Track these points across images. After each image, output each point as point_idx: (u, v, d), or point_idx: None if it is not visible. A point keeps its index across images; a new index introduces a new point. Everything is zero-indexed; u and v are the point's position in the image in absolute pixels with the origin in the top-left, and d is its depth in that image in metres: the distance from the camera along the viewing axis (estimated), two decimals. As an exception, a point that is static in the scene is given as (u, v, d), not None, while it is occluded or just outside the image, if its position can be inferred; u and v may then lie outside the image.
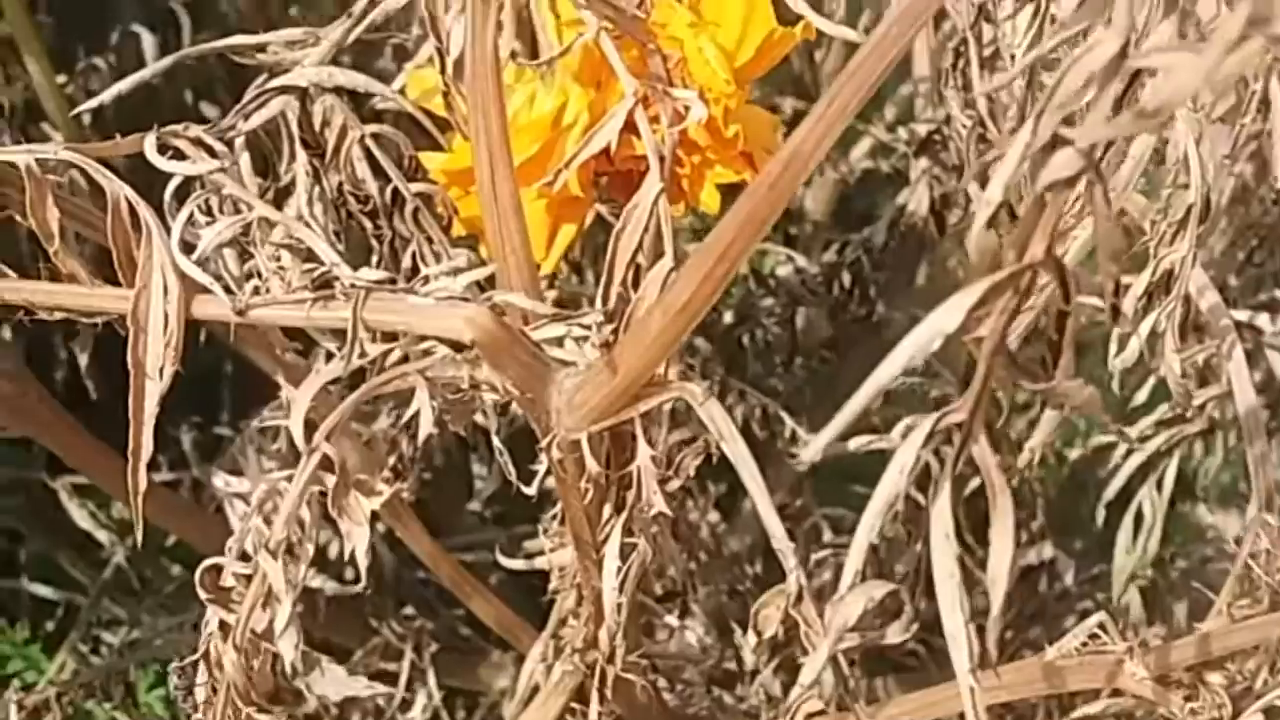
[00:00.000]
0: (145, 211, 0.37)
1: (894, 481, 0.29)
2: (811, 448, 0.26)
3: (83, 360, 0.56)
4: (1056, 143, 0.26)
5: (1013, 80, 0.40)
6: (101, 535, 0.68)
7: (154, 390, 0.36)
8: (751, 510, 0.73)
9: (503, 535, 0.72)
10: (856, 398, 0.27)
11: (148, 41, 0.70)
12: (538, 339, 0.35)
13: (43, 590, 0.74)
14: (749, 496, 0.75)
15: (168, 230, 0.37)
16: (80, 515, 0.67)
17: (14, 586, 0.74)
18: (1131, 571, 0.64)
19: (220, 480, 0.52)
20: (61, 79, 0.64)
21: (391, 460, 0.51)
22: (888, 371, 0.26)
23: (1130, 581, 0.65)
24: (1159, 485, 0.60)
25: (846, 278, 0.68)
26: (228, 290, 0.36)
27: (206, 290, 0.36)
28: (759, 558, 0.70)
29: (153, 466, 0.69)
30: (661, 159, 0.37)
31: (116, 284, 0.39)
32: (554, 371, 0.35)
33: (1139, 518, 0.62)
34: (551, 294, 0.61)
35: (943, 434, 0.31)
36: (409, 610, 0.67)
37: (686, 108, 0.38)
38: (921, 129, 0.65)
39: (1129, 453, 0.61)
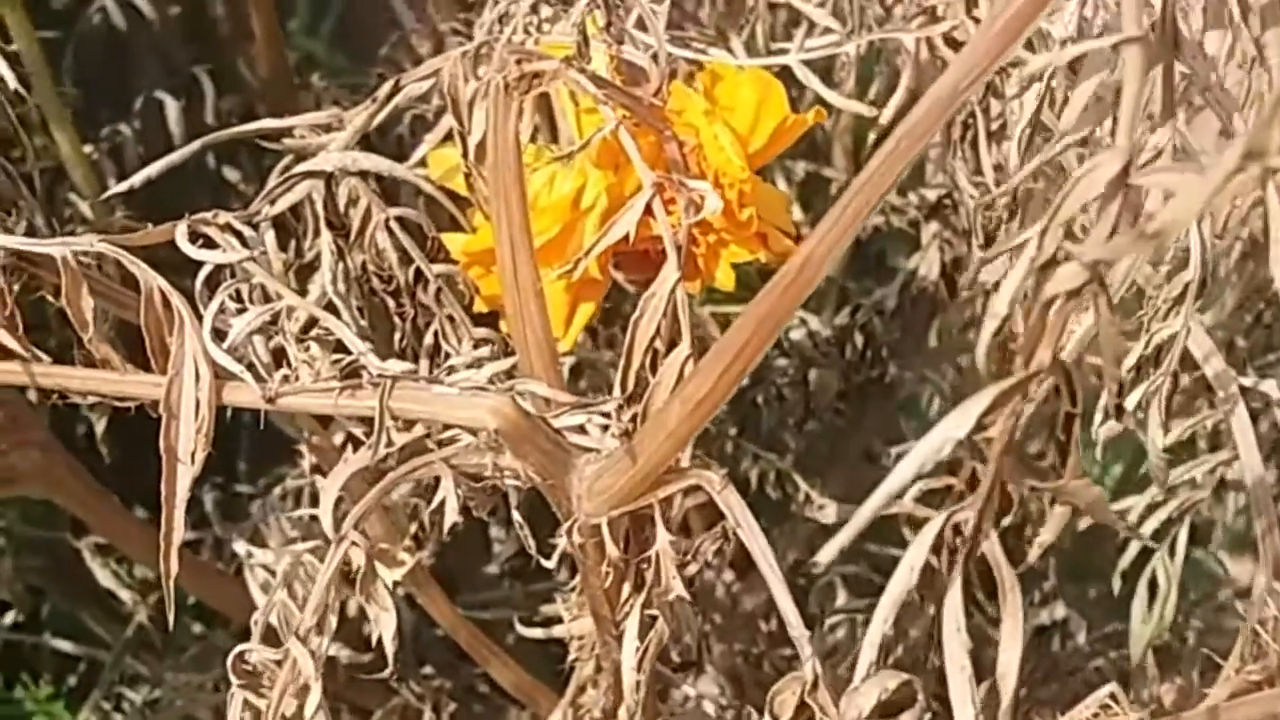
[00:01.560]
0: (178, 301, 0.38)
1: (904, 580, 0.30)
2: (825, 552, 0.27)
3: (99, 426, 0.57)
4: (1061, 256, 0.27)
5: (1021, 175, 0.41)
6: (124, 594, 0.69)
7: (185, 474, 0.37)
8: (766, 568, 0.74)
9: (521, 592, 0.73)
10: (868, 504, 0.28)
11: (171, 107, 0.71)
12: (558, 426, 0.36)
13: (65, 646, 0.75)
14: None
15: (199, 318, 0.38)
16: (103, 574, 0.68)
17: (37, 642, 0.75)
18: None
19: (243, 549, 0.53)
20: (88, 148, 0.65)
21: (413, 528, 0.52)
22: (900, 478, 0.27)
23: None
24: (1171, 551, 0.60)
25: (859, 339, 0.69)
26: (257, 377, 0.37)
27: (237, 377, 0.37)
28: (774, 615, 0.71)
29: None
30: (678, 249, 0.38)
31: (141, 358, 0.40)
32: (574, 458, 0.36)
33: (1153, 582, 0.62)
34: (568, 359, 0.62)
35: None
36: (428, 669, 0.67)
37: (702, 197, 0.39)
38: (931, 194, 0.66)
39: (1143, 517, 0.61)
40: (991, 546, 0.30)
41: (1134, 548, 0.62)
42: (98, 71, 0.76)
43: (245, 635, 0.41)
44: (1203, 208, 0.24)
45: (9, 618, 0.74)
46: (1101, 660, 0.69)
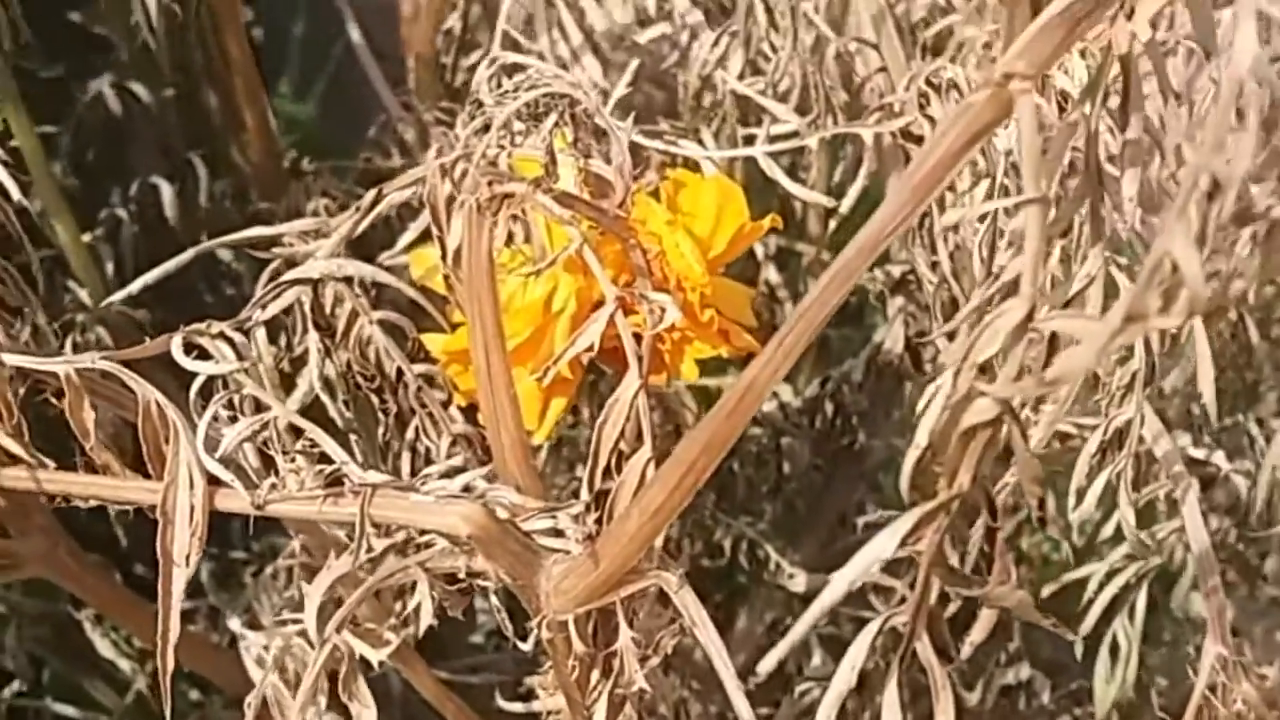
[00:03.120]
0: (173, 412, 0.40)
1: (845, 678, 0.32)
2: (765, 663, 0.29)
3: (112, 509, 0.60)
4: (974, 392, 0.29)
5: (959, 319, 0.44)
6: (123, 663, 0.71)
7: (180, 576, 0.40)
8: (745, 630, 0.76)
9: (509, 656, 0.75)
10: (809, 614, 0.30)
11: (165, 191, 0.74)
12: (527, 529, 0.39)
13: (68, 711, 0.77)
14: (741, 614, 0.78)
15: (193, 425, 0.41)
16: (103, 644, 0.71)
17: (40, 707, 0.78)
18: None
19: (237, 627, 0.55)
20: (86, 237, 0.68)
21: (398, 606, 0.55)
22: (835, 592, 0.30)
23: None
24: (1131, 616, 0.63)
25: (829, 409, 0.71)
26: (248, 484, 0.40)
27: (228, 485, 0.40)
28: (750, 676, 0.73)
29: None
30: (639, 358, 0.41)
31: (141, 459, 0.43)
32: (542, 559, 0.39)
33: (1115, 644, 0.64)
34: (548, 442, 0.65)
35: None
36: (416, 733, 0.70)
37: (663, 309, 0.42)
38: (895, 270, 0.68)
39: (1102, 585, 0.64)
40: (925, 649, 0.32)
41: (1098, 605, 0.64)
42: (96, 154, 0.79)
43: (241, 704, 0.44)
44: (1095, 359, 0.27)
45: (12, 687, 0.77)
46: (1067, 718, 0.71)
